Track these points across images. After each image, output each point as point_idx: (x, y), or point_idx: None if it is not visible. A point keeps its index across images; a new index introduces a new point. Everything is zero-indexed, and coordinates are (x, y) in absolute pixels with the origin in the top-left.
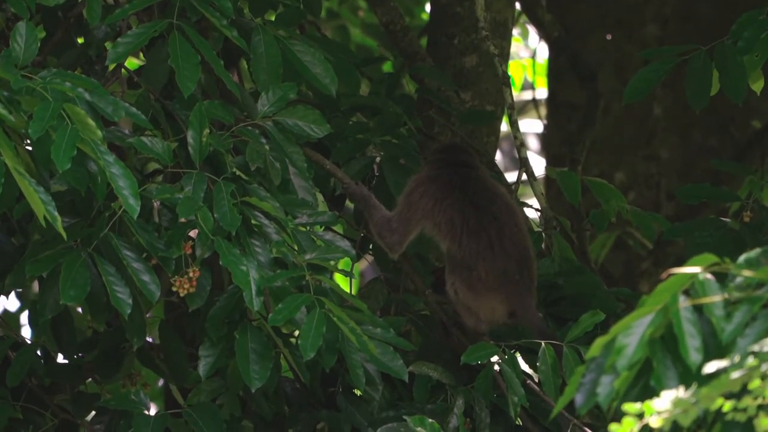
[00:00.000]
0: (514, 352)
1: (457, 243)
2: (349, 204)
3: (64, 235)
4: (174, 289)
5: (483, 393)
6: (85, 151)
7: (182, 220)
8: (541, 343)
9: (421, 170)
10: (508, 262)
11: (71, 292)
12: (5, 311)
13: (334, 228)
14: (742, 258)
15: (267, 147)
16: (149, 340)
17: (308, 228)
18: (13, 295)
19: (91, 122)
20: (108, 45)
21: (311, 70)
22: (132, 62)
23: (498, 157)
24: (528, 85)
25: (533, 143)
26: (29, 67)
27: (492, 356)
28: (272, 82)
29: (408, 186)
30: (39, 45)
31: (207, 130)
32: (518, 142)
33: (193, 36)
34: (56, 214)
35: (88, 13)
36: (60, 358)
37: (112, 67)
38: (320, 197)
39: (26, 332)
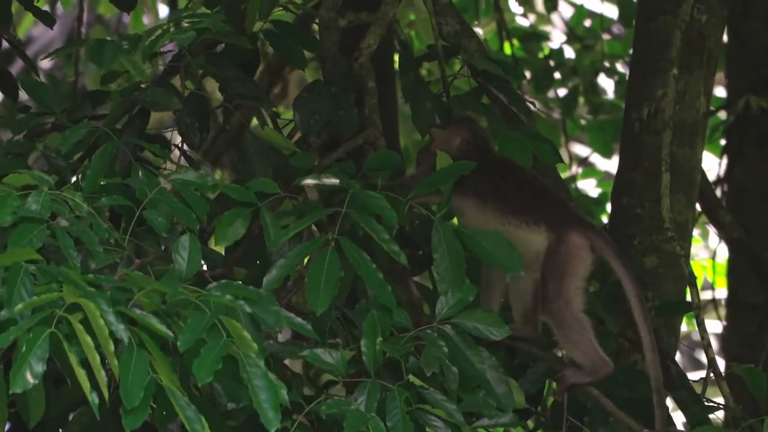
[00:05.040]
0: None
1: (509, 202)
2: None
3: None
4: None
5: None
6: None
7: None
8: None
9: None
10: (562, 200)
11: None
12: None
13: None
14: None
15: (445, 349)
16: None
17: (488, 430)
18: None
19: (247, 335)
20: None
21: (494, 253)
22: None
23: (677, 357)
24: (708, 286)
25: (713, 343)
26: (191, 280)
27: None
28: (457, 280)
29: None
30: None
31: (380, 338)
32: (705, 342)
33: (352, 250)
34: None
35: (267, 238)
36: None
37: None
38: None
39: None
